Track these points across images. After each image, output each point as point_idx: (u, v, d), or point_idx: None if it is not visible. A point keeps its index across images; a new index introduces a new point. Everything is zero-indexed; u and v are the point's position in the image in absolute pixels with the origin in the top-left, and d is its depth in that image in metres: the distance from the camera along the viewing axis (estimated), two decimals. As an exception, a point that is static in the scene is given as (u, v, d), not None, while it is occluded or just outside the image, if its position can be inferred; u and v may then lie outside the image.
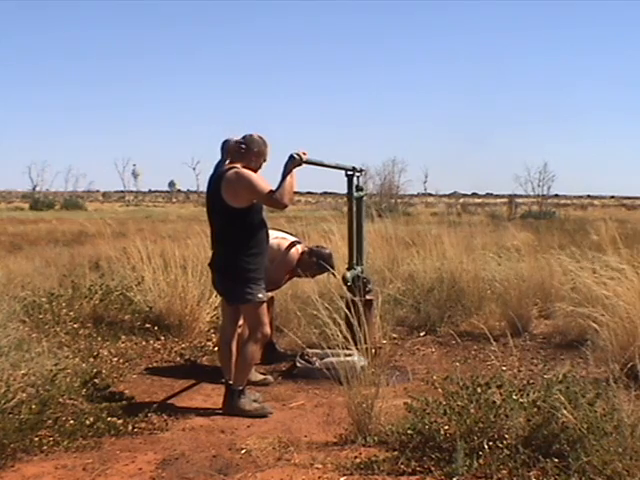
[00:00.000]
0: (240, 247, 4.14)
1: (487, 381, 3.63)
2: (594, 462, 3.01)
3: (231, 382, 4.22)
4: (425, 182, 50.05)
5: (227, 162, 4.26)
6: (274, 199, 4.05)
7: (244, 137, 4.24)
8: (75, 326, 6.01)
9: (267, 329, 4.30)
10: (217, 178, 4.19)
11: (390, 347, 5.69)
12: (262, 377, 4.89)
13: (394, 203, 35.03)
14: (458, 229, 8.03)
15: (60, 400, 4.01)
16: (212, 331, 6.07)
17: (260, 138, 4.26)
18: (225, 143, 4.29)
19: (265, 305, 4.30)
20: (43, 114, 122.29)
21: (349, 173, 5.44)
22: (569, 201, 56.35)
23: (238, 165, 4.17)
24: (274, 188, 4.08)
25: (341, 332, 4.09)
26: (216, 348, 5.27)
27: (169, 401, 4.49)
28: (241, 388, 4.20)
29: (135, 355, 5.48)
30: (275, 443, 3.66)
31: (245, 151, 4.20)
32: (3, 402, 3.60)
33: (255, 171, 4.21)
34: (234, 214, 4.09)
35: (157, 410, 4.20)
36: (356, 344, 4.15)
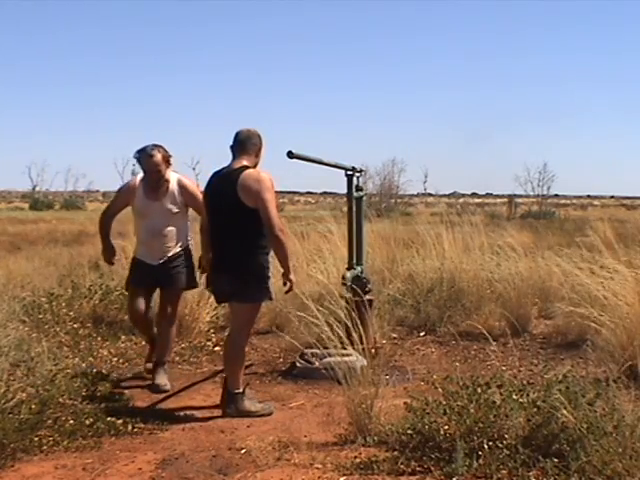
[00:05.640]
0: (254, 245, 4.07)
1: (487, 381, 3.63)
2: (594, 462, 3.01)
3: (233, 390, 4.14)
4: (425, 182, 49.90)
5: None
6: (275, 224, 3.98)
7: (238, 133, 4.19)
8: (75, 326, 6.02)
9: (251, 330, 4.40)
10: (227, 176, 4.09)
11: (390, 347, 5.70)
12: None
13: (394, 203, 35.05)
14: (458, 229, 8.02)
15: (60, 400, 4.01)
16: (212, 331, 6.07)
17: (255, 131, 4.25)
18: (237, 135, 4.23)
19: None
20: (43, 114, 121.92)
21: (349, 173, 5.44)
22: (569, 201, 56.33)
23: (246, 163, 4.13)
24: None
25: (340, 332, 4.10)
26: (216, 348, 5.27)
27: (169, 401, 4.48)
28: (241, 390, 4.17)
29: (135, 355, 5.47)
30: (275, 443, 3.66)
31: (250, 147, 4.18)
32: (3, 402, 3.60)
33: (257, 165, 4.21)
34: (249, 212, 4.01)
35: (157, 410, 4.20)
36: (355, 344, 4.15)
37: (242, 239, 4.07)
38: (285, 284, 4.14)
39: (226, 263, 4.15)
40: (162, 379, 4.64)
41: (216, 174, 4.23)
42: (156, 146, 4.61)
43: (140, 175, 4.73)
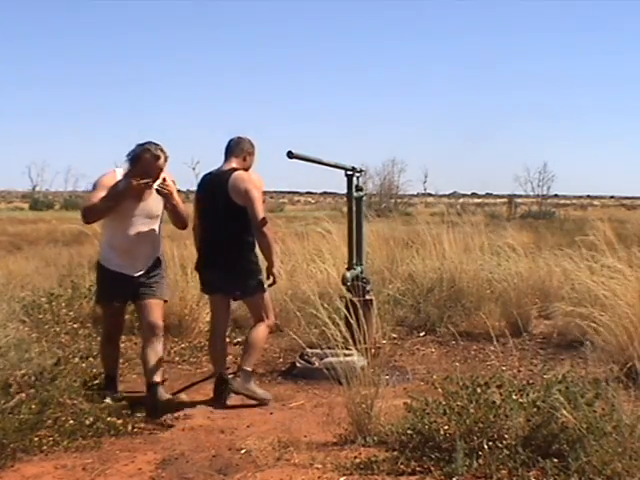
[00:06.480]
0: (246, 242, 4.38)
1: (487, 381, 3.62)
2: (594, 462, 3.01)
3: (244, 367, 4.37)
4: (425, 182, 49.83)
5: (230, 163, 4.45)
6: (263, 221, 4.27)
7: (230, 140, 4.49)
8: (75, 326, 6.01)
9: (273, 316, 4.61)
10: (219, 177, 4.37)
11: (390, 347, 5.70)
12: None
13: (394, 203, 35.06)
14: (457, 229, 8.02)
15: (60, 400, 4.01)
16: (212, 331, 6.05)
17: (246, 138, 4.55)
18: (231, 142, 4.50)
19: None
20: (43, 114, 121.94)
21: (349, 173, 5.44)
22: (569, 201, 56.30)
23: (235, 165, 4.41)
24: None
25: (340, 332, 4.10)
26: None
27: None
28: (251, 370, 4.41)
29: (135, 355, 5.46)
30: (275, 443, 3.66)
31: (239, 152, 4.46)
32: (3, 402, 3.60)
33: (248, 169, 4.48)
34: (239, 210, 4.29)
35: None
36: (355, 344, 4.16)
37: (233, 237, 4.36)
38: (268, 277, 4.38)
39: (218, 260, 4.41)
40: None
41: (207, 175, 4.52)
42: (157, 145, 4.19)
43: (121, 169, 4.21)
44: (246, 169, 4.46)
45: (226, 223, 4.35)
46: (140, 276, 4.29)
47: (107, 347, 4.50)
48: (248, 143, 4.53)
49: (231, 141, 4.50)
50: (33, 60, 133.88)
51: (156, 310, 4.30)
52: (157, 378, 4.21)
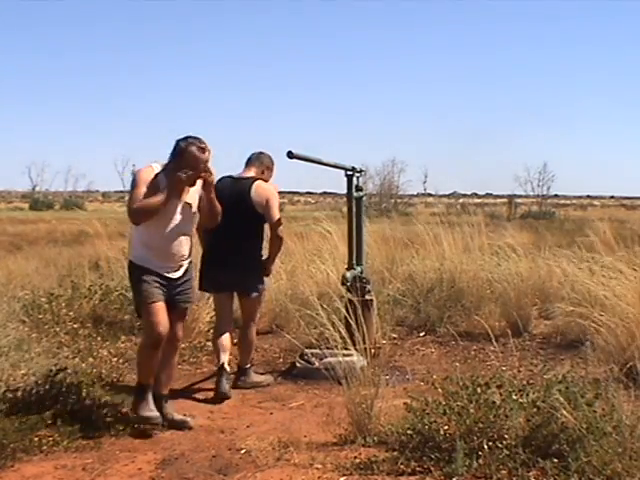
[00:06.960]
0: (259, 245, 4.81)
1: (487, 381, 3.63)
2: (594, 462, 3.01)
3: (245, 366, 4.85)
4: (425, 182, 49.72)
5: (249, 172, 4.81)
6: (279, 224, 4.70)
7: (253, 154, 4.88)
8: (75, 326, 6.01)
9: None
10: (241, 183, 4.71)
11: (390, 347, 5.70)
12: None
13: (394, 203, 35.05)
14: (457, 229, 8.02)
15: (60, 400, 4.01)
16: (212, 331, 6.05)
17: (267, 154, 4.93)
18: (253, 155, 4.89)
19: None
20: (43, 114, 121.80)
21: (349, 173, 5.45)
22: (569, 201, 56.29)
23: (253, 174, 4.77)
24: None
25: (340, 333, 4.10)
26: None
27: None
28: (249, 366, 4.87)
29: (135, 355, 5.46)
30: (275, 443, 3.66)
31: (257, 164, 4.83)
32: (3, 402, 3.61)
33: (267, 181, 4.84)
34: (256, 215, 4.68)
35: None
36: (355, 344, 4.16)
37: (248, 238, 4.72)
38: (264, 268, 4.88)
39: (232, 260, 4.66)
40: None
41: (226, 178, 4.77)
42: (200, 139, 3.94)
43: (157, 164, 3.97)
44: (265, 181, 4.81)
45: (243, 226, 4.65)
46: (177, 278, 4.04)
47: (156, 352, 3.98)
48: (268, 159, 4.90)
49: (253, 154, 4.89)
50: (32, 59, 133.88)
51: (182, 320, 4.13)
52: (164, 391, 4.09)
